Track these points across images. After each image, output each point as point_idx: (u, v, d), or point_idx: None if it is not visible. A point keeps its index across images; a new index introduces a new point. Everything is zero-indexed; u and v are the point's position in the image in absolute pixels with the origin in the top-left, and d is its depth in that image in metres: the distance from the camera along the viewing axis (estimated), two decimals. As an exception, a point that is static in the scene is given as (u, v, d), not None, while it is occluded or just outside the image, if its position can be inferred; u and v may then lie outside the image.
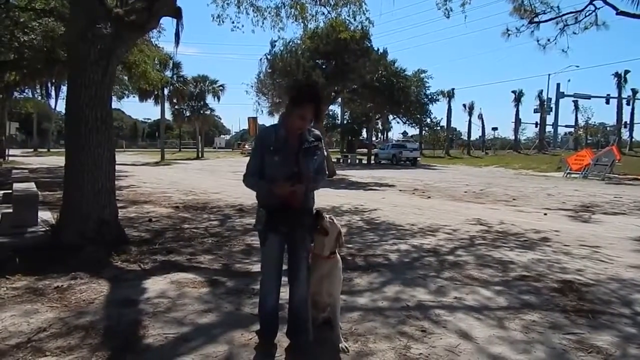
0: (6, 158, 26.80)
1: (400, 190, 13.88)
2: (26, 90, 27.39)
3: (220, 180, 16.58)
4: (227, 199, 10.39)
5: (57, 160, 23.01)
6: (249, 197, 10.08)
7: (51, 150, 44.43)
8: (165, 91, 34.66)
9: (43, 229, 5.97)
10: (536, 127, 51.02)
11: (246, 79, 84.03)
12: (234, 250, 5.40)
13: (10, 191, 8.28)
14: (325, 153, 2.87)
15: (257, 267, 4.51)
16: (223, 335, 2.98)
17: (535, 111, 50.54)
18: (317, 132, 2.74)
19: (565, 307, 3.65)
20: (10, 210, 6.58)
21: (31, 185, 7.77)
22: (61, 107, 51.81)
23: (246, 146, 46.09)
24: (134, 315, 3.30)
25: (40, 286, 3.83)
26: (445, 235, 6.60)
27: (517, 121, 50.63)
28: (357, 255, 5.27)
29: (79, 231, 5.08)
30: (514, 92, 50.21)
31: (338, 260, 2.86)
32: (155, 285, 3.98)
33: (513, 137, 52.07)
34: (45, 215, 7.01)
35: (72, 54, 5.59)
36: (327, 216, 2.80)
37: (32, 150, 45.33)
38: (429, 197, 12.09)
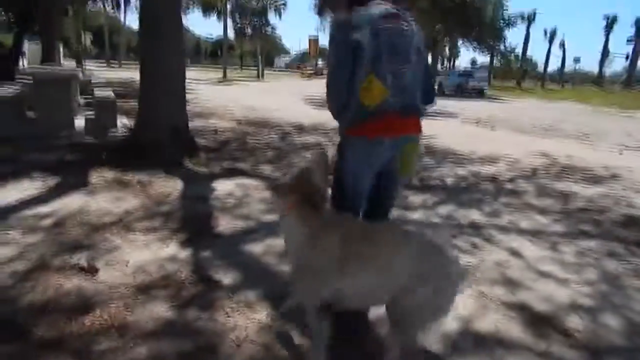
0: (84, 67, 28.48)
1: (463, 120, 13.36)
2: (97, 2, 28.21)
3: (280, 100, 16.74)
4: (287, 118, 10.58)
5: (127, 74, 24.11)
6: (307, 117, 10.23)
7: (122, 63, 46.41)
8: (228, 6, 34.21)
9: (122, 133, 6.52)
10: (627, 60, 45.60)
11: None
12: (294, 163, 5.65)
13: (90, 98, 8.97)
14: None
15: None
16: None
17: (629, 41, 44.78)
18: None
19: (626, 239, 3.57)
20: (93, 116, 7.19)
21: (110, 93, 8.35)
22: (129, 21, 52.83)
23: (307, 68, 45.37)
24: (206, 208, 3.68)
25: (125, 179, 4.30)
26: (506, 165, 6.43)
27: (605, 52, 45.42)
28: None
29: (155, 135, 5.49)
30: (606, 17, 44.54)
31: None
32: (223, 186, 4.33)
33: (597, 71, 47.07)
34: (122, 120, 7.60)
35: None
36: None
37: (104, 62, 47.59)
38: (493, 128, 11.57)
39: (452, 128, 10.93)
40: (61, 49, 15.05)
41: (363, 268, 1.64)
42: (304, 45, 59.35)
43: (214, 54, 73.94)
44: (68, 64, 22.74)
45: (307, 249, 1.72)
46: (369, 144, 1.96)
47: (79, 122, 6.99)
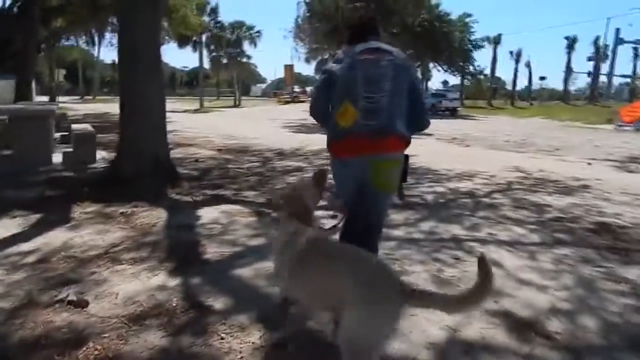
0: (58, 103, 28.13)
1: (437, 139, 13.72)
2: (71, 39, 28.18)
3: (258, 126, 16.89)
4: (267, 144, 10.69)
5: (103, 106, 23.97)
6: (286, 143, 10.36)
7: (96, 97, 46.04)
8: (203, 38, 34.69)
9: (102, 165, 6.49)
10: (589, 76, 47.93)
11: (283, 23, 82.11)
12: (277, 188, 5.72)
13: (67, 133, 8.89)
14: None
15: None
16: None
17: (589, 59, 47.22)
18: None
19: (599, 245, 3.75)
20: (71, 149, 7.14)
21: (87, 126, 8.32)
22: (104, 55, 52.57)
23: (284, 95, 45.83)
24: (192, 236, 3.69)
25: (108, 211, 4.28)
26: (482, 180, 6.65)
27: (568, 70, 47.67)
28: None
29: (136, 166, 5.49)
30: (567, 38, 47.02)
31: None
32: (207, 213, 4.35)
33: (562, 88, 49.23)
34: (101, 154, 7.56)
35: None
36: None
37: (78, 97, 47.10)
38: (468, 145, 11.95)
39: (429, 147, 11.20)
40: (34, 86, 14.92)
41: (310, 272, 1.91)
42: (280, 73, 60.16)
43: (190, 83, 73.96)
44: (41, 100, 22.45)
45: (286, 248, 2.00)
46: (339, 161, 2.32)
47: (57, 157, 6.93)
